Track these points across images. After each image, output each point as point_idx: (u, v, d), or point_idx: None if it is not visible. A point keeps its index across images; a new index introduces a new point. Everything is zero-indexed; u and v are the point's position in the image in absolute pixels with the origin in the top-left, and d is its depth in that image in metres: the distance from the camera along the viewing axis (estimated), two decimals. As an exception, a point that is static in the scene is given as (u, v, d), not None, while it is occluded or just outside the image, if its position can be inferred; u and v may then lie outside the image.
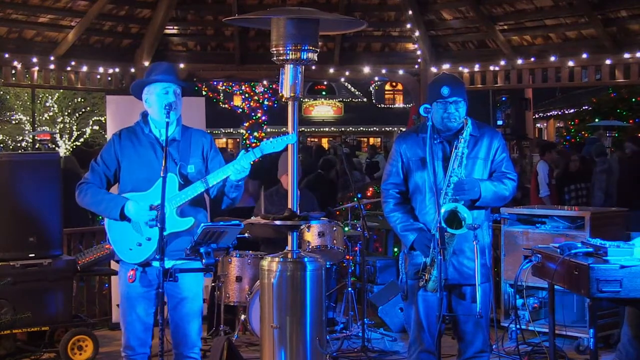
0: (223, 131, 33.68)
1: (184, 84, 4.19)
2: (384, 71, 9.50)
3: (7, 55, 7.79)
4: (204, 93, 22.03)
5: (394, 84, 35.86)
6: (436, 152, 4.06)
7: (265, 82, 22.23)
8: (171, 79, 4.09)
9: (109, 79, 8.64)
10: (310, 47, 4.18)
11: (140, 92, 4.15)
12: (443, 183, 3.99)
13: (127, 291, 4.07)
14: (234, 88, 24.25)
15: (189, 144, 4.14)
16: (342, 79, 14.74)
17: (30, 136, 23.24)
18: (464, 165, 3.98)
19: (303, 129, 31.15)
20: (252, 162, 3.98)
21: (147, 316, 4.08)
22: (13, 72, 7.94)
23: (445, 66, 8.99)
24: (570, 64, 8.23)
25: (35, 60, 7.98)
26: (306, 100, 36.10)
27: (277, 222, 4.27)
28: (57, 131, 26.65)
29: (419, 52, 9.15)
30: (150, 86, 4.09)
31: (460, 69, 8.93)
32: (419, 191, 4.13)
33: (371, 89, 37.04)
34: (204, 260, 3.80)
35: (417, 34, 8.98)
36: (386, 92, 37.86)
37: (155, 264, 3.86)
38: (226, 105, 25.05)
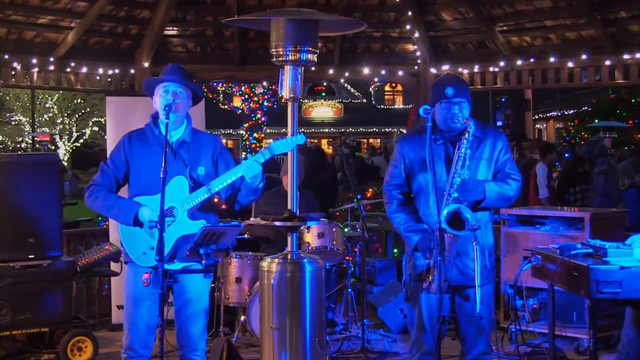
0: (222, 132, 33.69)
1: (187, 82, 4.14)
2: (383, 72, 9.49)
3: (6, 56, 7.78)
4: (203, 94, 22.01)
5: (393, 84, 35.91)
6: (439, 153, 4.04)
7: (265, 83, 22.21)
8: (170, 78, 4.08)
9: (109, 80, 8.64)
10: (310, 48, 4.18)
11: (152, 95, 4.17)
12: (446, 184, 3.98)
13: (134, 292, 4.07)
14: (233, 89, 24.23)
15: (199, 147, 4.13)
16: (342, 80, 14.73)
17: (30, 137, 23.27)
18: (467, 166, 3.97)
19: (303, 129, 30.97)
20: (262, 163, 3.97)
21: (151, 318, 4.07)
22: (13, 73, 7.93)
23: (445, 67, 8.99)
24: (570, 64, 8.23)
25: (34, 61, 7.98)
26: (306, 101, 36.12)
27: (277, 223, 4.27)
28: (57, 132, 26.68)
29: (418, 53, 9.15)
30: (156, 87, 4.11)
31: (460, 69, 8.93)
32: (423, 192, 4.11)
33: (371, 89, 37.08)
34: (203, 261, 3.79)
35: (416, 34, 8.99)
36: (386, 93, 37.90)
37: (166, 266, 3.88)
38: (226, 106, 25.03)
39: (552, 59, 8.34)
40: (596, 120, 17.12)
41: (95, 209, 4.19)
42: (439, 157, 4.04)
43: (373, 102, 37.48)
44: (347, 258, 6.62)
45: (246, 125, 23.85)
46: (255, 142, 23.07)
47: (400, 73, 9.47)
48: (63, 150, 26.67)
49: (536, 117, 29.28)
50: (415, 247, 4.07)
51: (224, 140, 34.75)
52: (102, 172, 4.14)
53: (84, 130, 27.72)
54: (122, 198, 4.10)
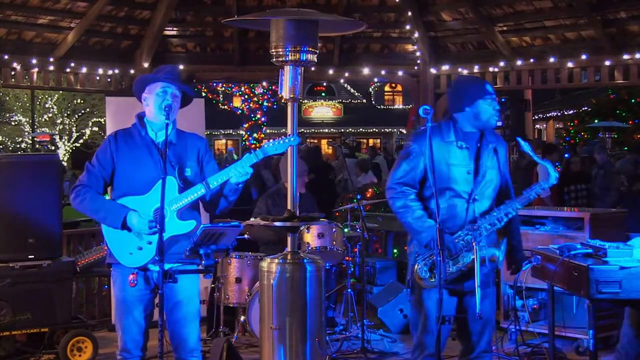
0: (222, 132, 33.70)
1: (185, 87, 4.12)
2: (383, 72, 9.50)
3: (6, 57, 7.79)
4: (203, 94, 22.09)
5: (393, 85, 35.88)
6: (460, 157, 3.98)
7: (264, 84, 22.27)
8: (170, 78, 4.05)
9: (109, 80, 8.65)
10: (310, 49, 4.18)
11: (141, 93, 4.10)
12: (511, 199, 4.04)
13: (123, 295, 4.03)
14: (233, 89, 24.28)
15: (185, 148, 4.10)
16: (342, 80, 14.73)
17: (30, 137, 23.26)
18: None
19: (302, 130, 31.16)
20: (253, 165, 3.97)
21: (142, 319, 4.05)
22: (12, 73, 7.94)
23: (445, 67, 9.00)
24: (570, 65, 8.24)
25: (34, 61, 7.98)
26: (305, 101, 36.12)
27: (277, 224, 4.27)
28: (57, 132, 26.66)
29: (418, 53, 9.16)
30: (150, 86, 4.05)
31: (460, 70, 8.94)
32: (446, 194, 3.99)
33: (371, 90, 37.06)
34: (203, 262, 3.78)
35: (416, 35, 8.99)
36: (385, 93, 37.87)
37: (153, 267, 3.84)
38: (225, 107, 25.08)
39: (551, 59, 8.35)
40: (596, 121, 17.13)
41: (81, 211, 4.08)
42: (463, 163, 3.98)
43: (373, 102, 37.47)
44: (347, 258, 6.62)
45: (246, 125, 23.88)
46: (255, 142, 23.10)
47: (400, 73, 9.48)
48: (63, 151, 26.64)
49: (536, 117, 29.21)
50: (426, 245, 4.00)
51: (223, 140, 34.81)
52: (87, 172, 4.05)
53: (83, 131, 27.70)
54: (109, 201, 4.03)
